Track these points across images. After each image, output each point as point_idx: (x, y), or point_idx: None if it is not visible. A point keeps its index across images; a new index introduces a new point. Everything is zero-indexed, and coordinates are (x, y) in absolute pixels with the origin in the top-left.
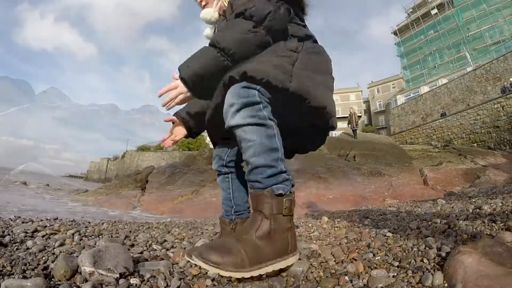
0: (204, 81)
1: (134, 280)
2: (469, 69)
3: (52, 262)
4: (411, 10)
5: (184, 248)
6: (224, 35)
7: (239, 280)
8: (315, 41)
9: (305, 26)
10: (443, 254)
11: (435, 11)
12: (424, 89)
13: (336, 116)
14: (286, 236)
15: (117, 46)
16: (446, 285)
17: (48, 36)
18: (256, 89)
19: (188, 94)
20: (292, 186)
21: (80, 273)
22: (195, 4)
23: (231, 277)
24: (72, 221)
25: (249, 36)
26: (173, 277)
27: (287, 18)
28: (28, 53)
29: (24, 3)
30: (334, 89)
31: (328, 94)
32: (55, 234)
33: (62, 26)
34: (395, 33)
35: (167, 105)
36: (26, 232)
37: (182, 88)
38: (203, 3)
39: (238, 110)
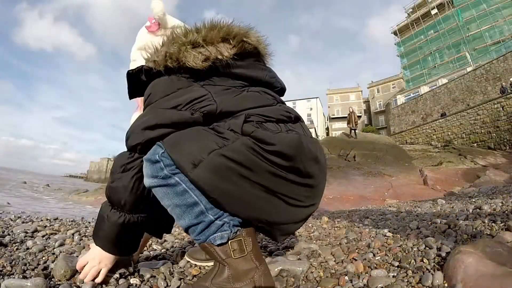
0: (122, 241)
1: (134, 280)
2: (469, 69)
3: (52, 262)
4: (411, 10)
5: (184, 248)
6: (109, 183)
7: None
8: (288, 120)
9: (270, 83)
10: (443, 254)
11: (435, 11)
12: (424, 89)
13: (336, 116)
14: (251, 279)
15: (116, 46)
16: (446, 285)
17: (47, 36)
18: (162, 147)
19: (112, 257)
20: (237, 225)
21: (80, 273)
22: (192, 4)
23: None
24: (72, 221)
25: (127, 175)
26: (173, 277)
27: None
28: (28, 53)
29: (22, 3)
30: (334, 89)
31: (271, 208)
32: (55, 234)
33: (61, 26)
34: (395, 33)
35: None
36: (26, 232)
37: (98, 256)
38: (141, 107)
39: (145, 168)
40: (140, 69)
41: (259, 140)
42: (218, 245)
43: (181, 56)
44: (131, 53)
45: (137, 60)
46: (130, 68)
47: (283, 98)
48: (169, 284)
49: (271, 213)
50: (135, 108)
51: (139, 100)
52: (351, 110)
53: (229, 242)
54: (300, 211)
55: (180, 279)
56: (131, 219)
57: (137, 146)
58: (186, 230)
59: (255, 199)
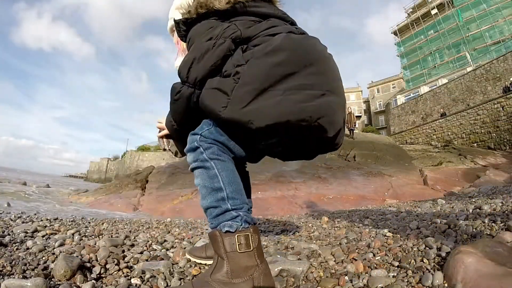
0: (175, 133)
1: (134, 280)
2: (469, 69)
3: (52, 262)
4: (411, 10)
5: (184, 248)
6: (170, 101)
7: None
8: (291, 30)
9: (265, 15)
10: (443, 254)
11: (435, 11)
12: (424, 89)
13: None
14: (250, 276)
15: (115, 46)
16: (446, 285)
17: (45, 36)
18: (197, 134)
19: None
20: (248, 222)
21: (82, 272)
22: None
23: None
24: (72, 221)
25: (178, 103)
26: (173, 277)
27: (226, 49)
28: (27, 53)
29: (21, 2)
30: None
31: (305, 104)
32: (55, 234)
33: (59, 25)
34: (395, 33)
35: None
36: (26, 232)
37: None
38: (181, 52)
39: (189, 156)
40: (178, 22)
41: (266, 49)
42: (226, 233)
43: (209, 3)
44: (169, 11)
45: (175, 17)
46: (168, 24)
47: None
48: (169, 284)
49: (307, 109)
50: (176, 54)
51: (179, 47)
52: (349, 110)
53: (236, 235)
54: (330, 101)
55: (180, 279)
56: (180, 129)
57: (187, 79)
58: (205, 210)
59: (290, 103)
